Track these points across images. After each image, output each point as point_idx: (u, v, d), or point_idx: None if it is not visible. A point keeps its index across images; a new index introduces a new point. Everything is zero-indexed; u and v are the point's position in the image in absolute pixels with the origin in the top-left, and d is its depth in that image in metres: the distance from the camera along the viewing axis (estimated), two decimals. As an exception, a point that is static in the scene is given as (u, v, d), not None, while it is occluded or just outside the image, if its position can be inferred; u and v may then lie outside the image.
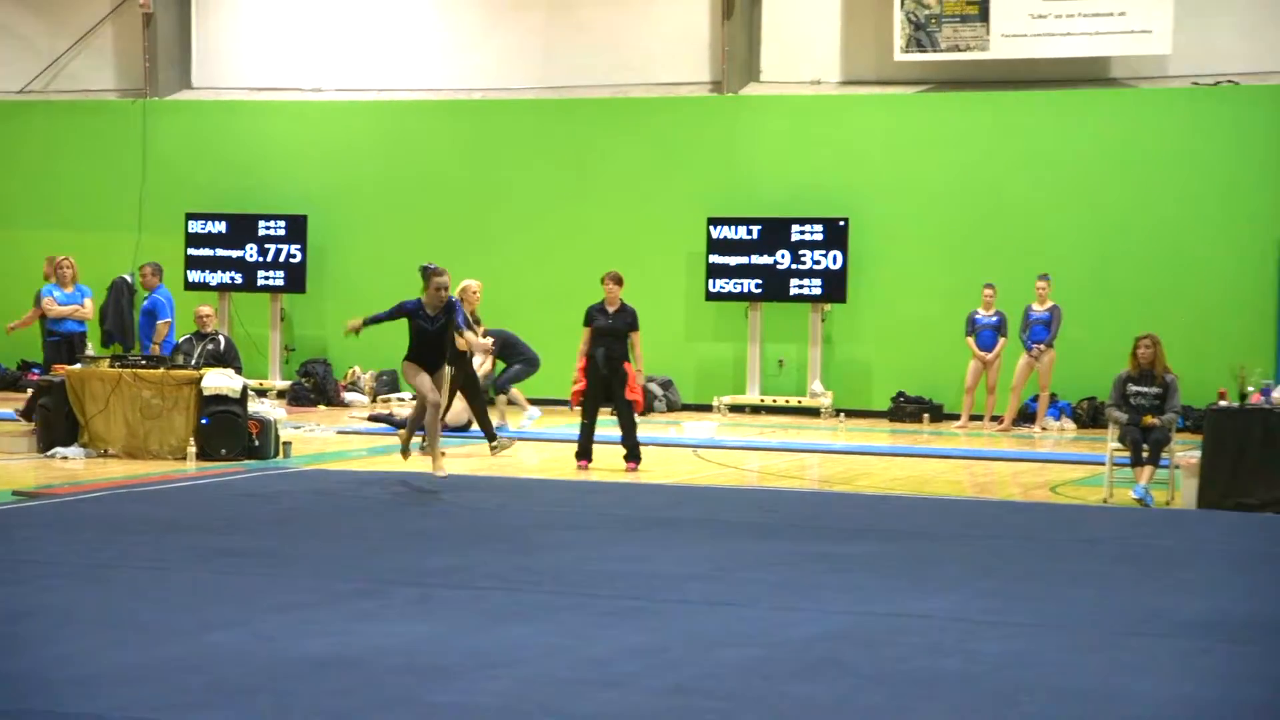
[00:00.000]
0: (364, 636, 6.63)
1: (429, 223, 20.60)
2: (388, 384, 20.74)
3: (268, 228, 19.79)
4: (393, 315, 11.24)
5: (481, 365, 16.48)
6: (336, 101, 21.50)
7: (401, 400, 19.36)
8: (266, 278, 19.61)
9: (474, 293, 15.93)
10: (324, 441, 16.31)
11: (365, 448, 16.05)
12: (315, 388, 18.69)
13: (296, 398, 18.69)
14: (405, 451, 12.35)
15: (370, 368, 20.60)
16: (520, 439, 16.51)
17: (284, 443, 14.25)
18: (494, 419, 16.24)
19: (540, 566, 8.93)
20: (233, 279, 19.77)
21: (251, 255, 19.80)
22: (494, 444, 14.76)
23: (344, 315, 19.02)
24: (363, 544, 9.71)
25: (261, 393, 17.35)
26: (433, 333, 12.16)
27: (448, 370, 12.29)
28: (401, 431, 12.23)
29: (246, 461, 13.62)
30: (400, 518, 11.23)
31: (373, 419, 17.12)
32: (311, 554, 9.41)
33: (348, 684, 5.71)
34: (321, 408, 18.54)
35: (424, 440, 13.42)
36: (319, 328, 20.16)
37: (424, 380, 11.06)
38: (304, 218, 19.81)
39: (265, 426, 13.94)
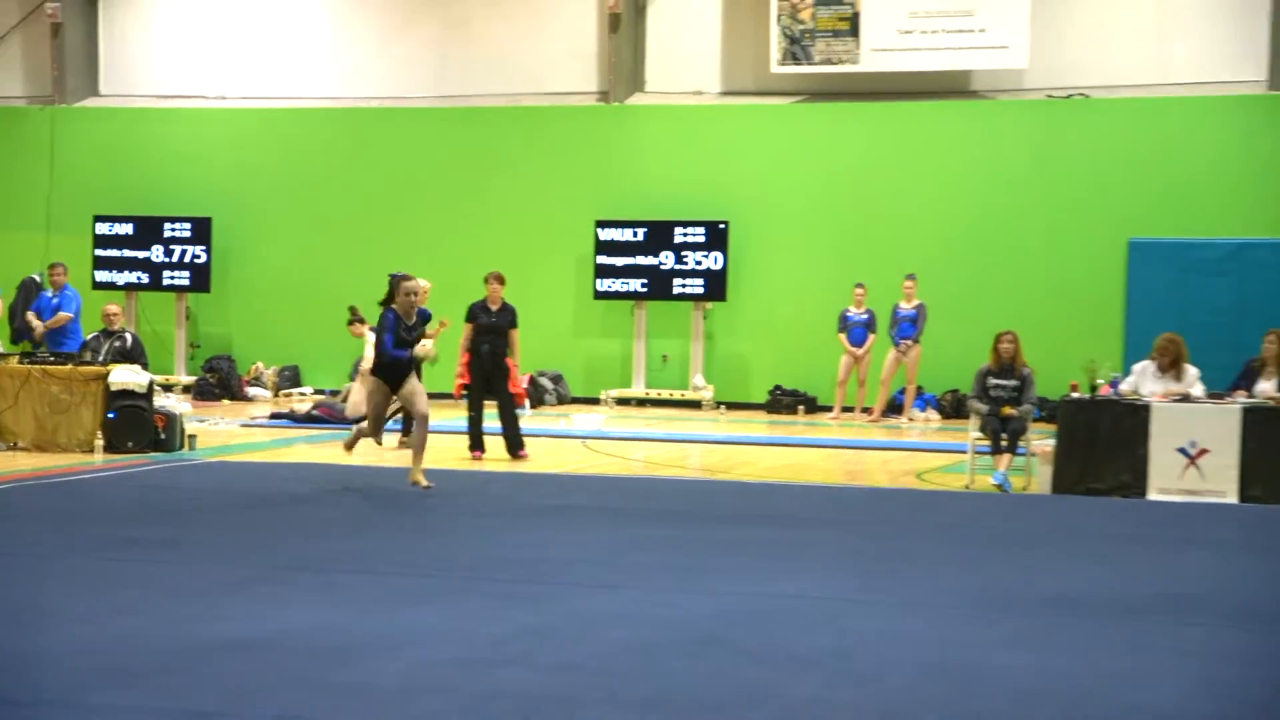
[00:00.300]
0: (267, 621, 6.81)
1: (329, 225, 20.99)
2: (290, 379, 21.06)
3: (173, 230, 20.10)
4: (391, 332, 10.78)
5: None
6: (240, 109, 21.57)
7: (303, 395, 19.20)
8: (172, 278, 19.96)
9: (425, 292, 16.07)
10: (228, 434, 16.51)
11: (268, 440, 16.22)
12: (220, 383, 18.99)
13: (201, 393, 18.76)
14: (351, 446, 12.27)
15: (273, 364, 20.88)
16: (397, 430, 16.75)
17: (189, 436, 14.30)
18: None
19: (437, 552, 9.21)
20: (140, 279, 20.12)
21: (158, 256, 20.12)
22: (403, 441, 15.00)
23: (247, 313, 19.72)
24: (265, 532, 9.92)
25: (167, 388, 17.68)
26: (411, 342, 12.07)
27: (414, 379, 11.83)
28: (361, 425, 12.13)
29: (153, 454, 13.63)
30: (301, 507, 11.31)
31: (275, 416, 17.25)
32: (215, 542, 9.50)
33: (251, 666, 5.90)
34: (226, 402, 18.63)
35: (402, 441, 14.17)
36: (223, 325, 20.46)
37: (417, 398, 10.87)
38: (208, 220, 20.07)
39: (171, 420, 13.97)
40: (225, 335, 20.83)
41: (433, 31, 21.82)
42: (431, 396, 19.97)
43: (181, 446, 14.02)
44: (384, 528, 10.55)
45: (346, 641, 6.46)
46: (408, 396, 10.95)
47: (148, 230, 20.12)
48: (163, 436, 13.68)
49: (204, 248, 19.95)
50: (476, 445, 14.21)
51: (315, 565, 8.63)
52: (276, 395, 20.77)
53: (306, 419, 17.85)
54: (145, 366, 15.32)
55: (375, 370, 11.07)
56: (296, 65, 22.28)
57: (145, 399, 13.67)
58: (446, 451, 14.77)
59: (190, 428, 14.87)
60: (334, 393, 19.68)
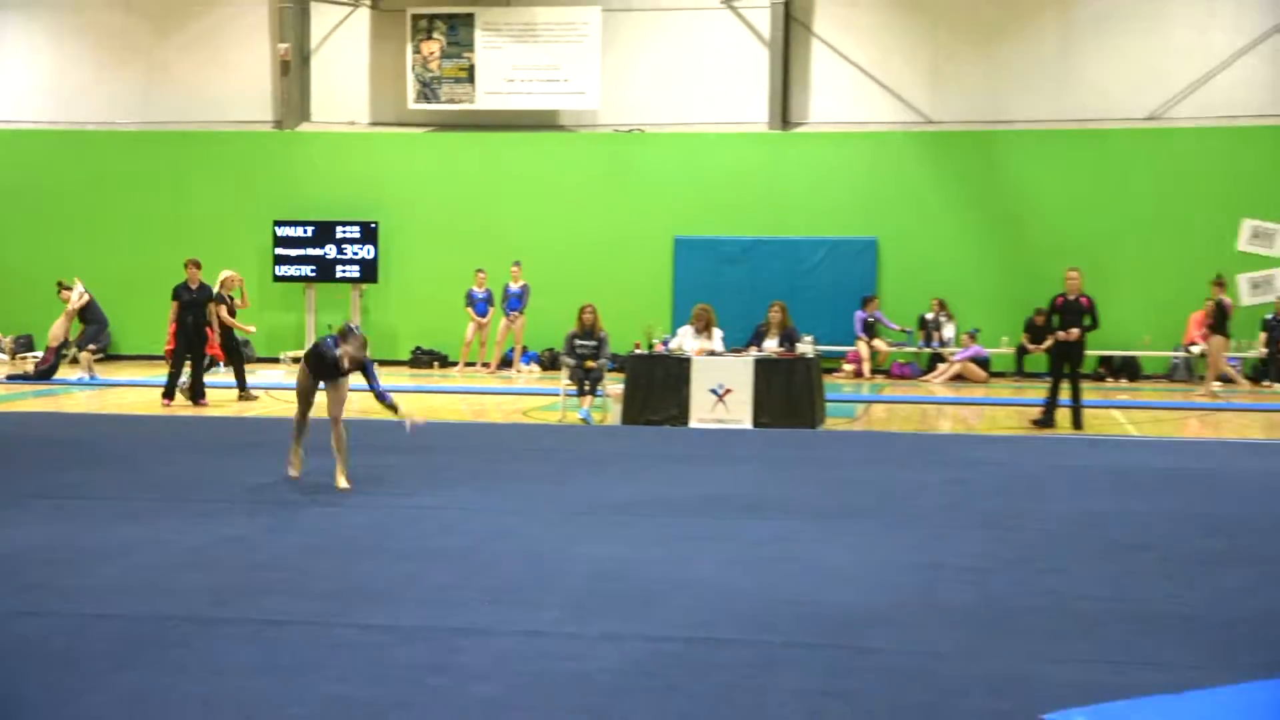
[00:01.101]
0: (8, 539, 7.85)
1: (48, 233, 22.93)
2: (24, 344, 22.46)
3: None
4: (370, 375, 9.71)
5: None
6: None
7: (37, 357, 20.37)
8: None
9: (235, 280, 18.05)
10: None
11: (5, 394, 17.63)
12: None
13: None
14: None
15: (9, 333, 22.72)
16: (104, 385, 18.86)
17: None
18: (82, 372, 18.87)
19: (148, 481, 10.42)
20: None
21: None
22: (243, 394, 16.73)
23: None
24: (6, 468, 11.05)
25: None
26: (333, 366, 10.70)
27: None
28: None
29: None
30: (37, 447, 12.46)
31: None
32: None
33: None
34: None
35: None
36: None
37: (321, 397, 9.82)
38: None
39: None
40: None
41: (140, 67, 23.67)
42: (144, 359, 21.62)
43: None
44: (104, 462, 11.53)
45: (74, 554, 7.43)
46: (329, 393, 9.88)
47: None
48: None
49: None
50: (169, 395, 16.08)
51: (48, 493, 9.60)
52: (14, 359, 21.75)
53: (36, 377, 18.97)
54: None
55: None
56: (16, 90, 23.75)
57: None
58: (147, 402, 16.72)
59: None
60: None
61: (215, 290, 17.24)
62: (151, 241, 22.35)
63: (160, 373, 17.56)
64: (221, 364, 18.20)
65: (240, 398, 16.81)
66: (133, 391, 18.18)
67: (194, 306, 16.18)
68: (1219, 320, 18.69)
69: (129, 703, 5.13)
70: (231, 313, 17.64)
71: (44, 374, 19.02)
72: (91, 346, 19.35)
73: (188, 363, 16.34)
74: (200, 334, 16.30)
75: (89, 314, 19.34)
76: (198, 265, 16.38)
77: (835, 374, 20.81)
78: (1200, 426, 16.40)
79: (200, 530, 8.31)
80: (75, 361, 19.58)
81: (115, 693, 5.25)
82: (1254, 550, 8.42)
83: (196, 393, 16.17)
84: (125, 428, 14.35)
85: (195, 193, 23.01)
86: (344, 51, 23.39)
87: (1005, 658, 5.92)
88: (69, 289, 19.25)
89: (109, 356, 21.82)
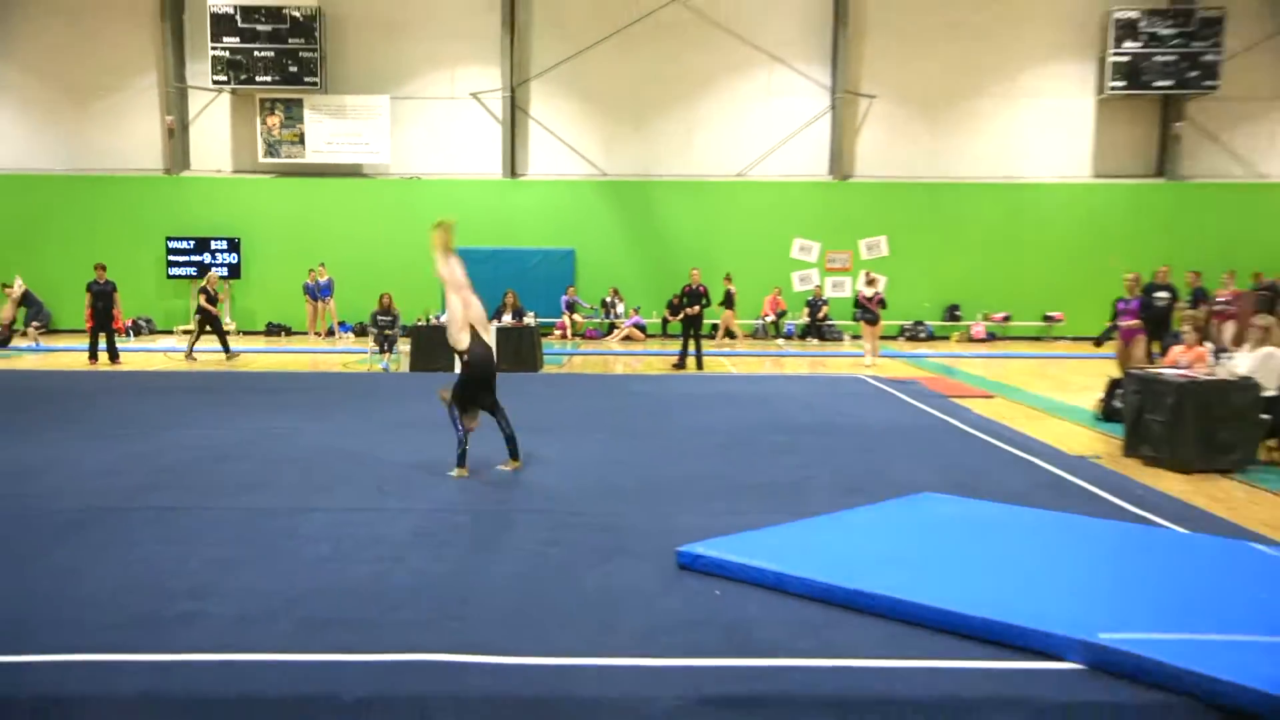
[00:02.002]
0: None
1: None
2: None
3: None
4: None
5: None
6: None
7: None
8: None
9: (214, 278, 19.25)
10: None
11: None
12: None
13: None
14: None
15: None
16: (46, 350, 19.87)
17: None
18: (30, 341, 20.07)
19: (77, 417, 10.98)
20: None
21: None
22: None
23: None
24: None
25: None
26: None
27: None
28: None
29: None
30: None
31: None
32: None
33: None
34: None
35: None
36: None
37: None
38: None
39: None
40: None
41: (64, 130, 25.87)
42: (74, 332, 22.24)
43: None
44: (48, 404, 12.35)
45: (22, 468, 8.30)
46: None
47: None
48: None
49: None
50: (92, 356, 17.88)
51: (5, 428, 10.34)
52: None
53: None
54: None
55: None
56: None
57: None
58: (80, 360, 18.27)
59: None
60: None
61: (203, 285, 19.54)
62: (74, 252, 24.49)
63: (83, 341, 19.40)
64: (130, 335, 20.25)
65: (228, 358, 18.72)
66: (67, 355, 19.72)
67: (102, 295, 18.10)
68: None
69: (64, 570, 5.85)
70: (212, 301, 19.31)
71: (1, 341, 21.32)
72: (35, 323, 21.78)
73: (103, 335, 18.16)
74: (108, 314, 18.14)
75: (28, 300, 21.86)
76: (103, 267, 18.56)
77: (548, 336, 23.00)
78: (772, 366, 19.49)
79: (115, 449, 9.33)
80: (24, 334, 21.90)
81: (54, 562, 5.98)
82: (802, 443, 10.20)
83: (112, 355, 18.15)
84: (61, 381, 15.28)
85: (106, 218, 25.32)
86: (213, 121, 25.98)
87: (657, 515, 7.20)
88: (9, 286, 21.97)
89: (49, 331, 23.61)
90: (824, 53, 25.51)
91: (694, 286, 18.64)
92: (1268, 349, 10.86)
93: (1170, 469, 10.10)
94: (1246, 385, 10.43)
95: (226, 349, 18.99)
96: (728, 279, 23.40)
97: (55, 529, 6.75)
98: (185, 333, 23.58)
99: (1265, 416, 10.42)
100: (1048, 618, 5.21)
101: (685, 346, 18.50)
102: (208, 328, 19.21)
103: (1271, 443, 10.68)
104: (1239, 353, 11.10)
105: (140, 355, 19.62)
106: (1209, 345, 11.74)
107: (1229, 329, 17.50)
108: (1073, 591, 5.72)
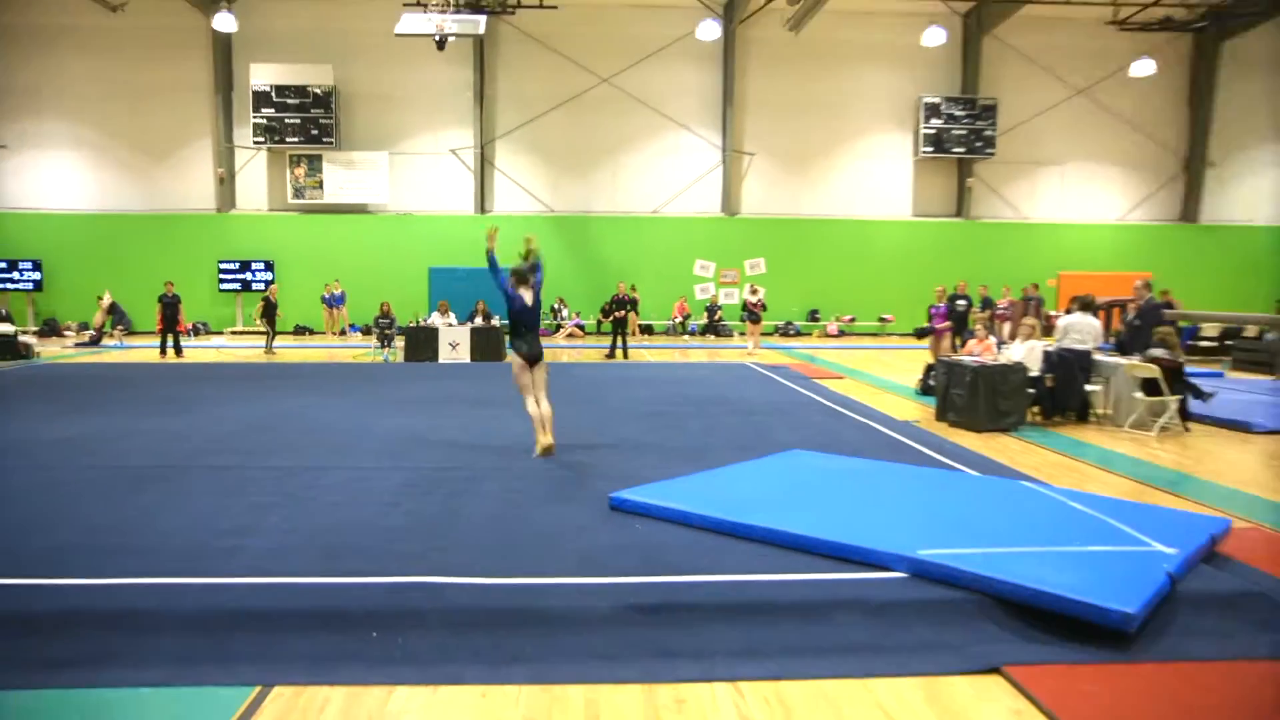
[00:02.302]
0: (76, 427, 8.50)
1: (91, 270, 23.86)
2: (82, 327, 23.05)
3: None
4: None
5: None
6: None
7: (89, 333, 20.38)
8: None
9: (274, 290, 18.84)
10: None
11: (74, 353, 18.09)
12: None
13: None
14: None
15: (73, 320, 23.77)
16: (127, 348, 19.09)
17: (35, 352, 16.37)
18: (116, 340, 19.37)
19: (150, 397, 10.63)
20: None
21: None
22: None
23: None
24: (71, 392, 11.20)
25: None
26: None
27: None
28: None
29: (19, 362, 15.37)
30: (88, 380, 12.61)
31: None
32: (42, 393, 10.92)
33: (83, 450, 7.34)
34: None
35: None
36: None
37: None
38: None
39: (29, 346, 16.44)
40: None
41: (141, 173, 24.76)
42: (145, 333, 21.88)
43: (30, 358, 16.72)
44: (126, 387, 11.93)
45: (107, 437, 8.05)
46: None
47: None
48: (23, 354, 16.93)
49: None
50: (162, 352, 16.94)
51: (94, 405, 9.93)
52: (77, 334, 22.66)
53: (89, 343, 20.11)
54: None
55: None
56: (66, 189, 24.22)
57: (13, 338, 16.97)
58: (152, 355, 17.44)
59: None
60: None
61: (265, 294, 19.05)
62: (148, 273, 23.84)
63: (155, 340, 19.30)
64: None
65: (266, 352, 18.28)
66: (143, 352, 19.06)
67: (170, 305, 17.94)
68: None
69: (142, 511, 5.81)
70: (272, 307, 18.93)
71: (94, 341, 20.86)
72: (119, 327, 21.19)
73: (170, 335, 17.75)
74: (174, 319, 17.84)
75: (114, 310, 21.29)
76: (171, 284, 18.51)
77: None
78: (680, 356, 18.89)
79: (178, 422, 9.19)
80: (111, 336, 21.28)
81: (134, 507, 5.90)
82: (704, 413, 10.15)
83: (178, 351, 17.79)
84: (138, 371, 14.83)
85: (172, 246, 24.64)
86: (253, 172, 25.13)
87: (593, 469, 6.99)
88: (101, 298, 21.55)
89: (130, 333, 22.55)
90: (716, 122, 25.35)
91: (622, 296, 18.55)
92: (1032, 342, 11.05)
93: (968, 429, 10.22)
94: (1019, 368, 10.58)
95: (269, 346, 18.85)
96: (632, 289, 22.90)
97: (129, 481, 6.61)
98: (234, 333, 23.87)
99: (1031, 391, 10.61)
100: (881, 540, 5.27)
101: (614, 341, 18.25)
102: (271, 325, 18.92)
103: (1035, 409, 10.84)
104: (1013, 345, 11.24)
105: (199, 350, 19.36)
106: (994, 339, 11.79)
107: (1007, 328, 17.75)
108: (900, 520, 5.74)
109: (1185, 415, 10.44)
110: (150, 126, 24.52)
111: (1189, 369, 10.91)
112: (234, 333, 24.09)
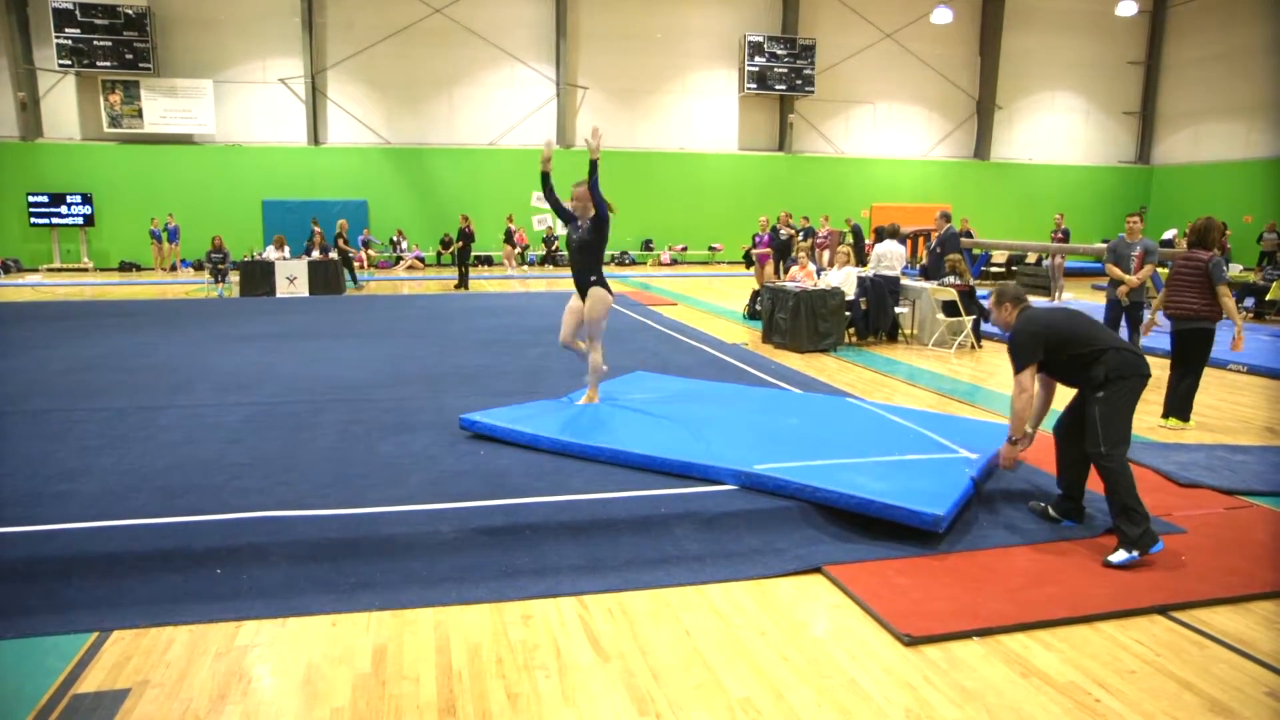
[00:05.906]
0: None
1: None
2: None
3: None
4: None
5: None
6: None
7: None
8: None
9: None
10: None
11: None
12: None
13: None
14: None
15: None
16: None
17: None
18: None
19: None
20: None
21: None
22: None
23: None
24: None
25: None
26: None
27: None
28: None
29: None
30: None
31: None
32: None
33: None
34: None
35: None
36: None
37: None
38: None
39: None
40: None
41: None
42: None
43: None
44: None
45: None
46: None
47: None
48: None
49: None
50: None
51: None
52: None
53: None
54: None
55: None
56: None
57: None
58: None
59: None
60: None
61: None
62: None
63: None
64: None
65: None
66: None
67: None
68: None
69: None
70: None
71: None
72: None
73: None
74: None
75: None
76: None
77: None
78: (520, 285, 18.98)
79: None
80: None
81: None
82: (541, 341, 10.14)
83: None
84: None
85: None
86: (61, 97, 23.25)
87: (435, 397, 7.04)
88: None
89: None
90: (550, 55, 25.00)
91: (462, 227, 18.49)
92: (848, 268, 11.42)
93: (792, 350, 10.52)
94: (836, 293, 10.92)
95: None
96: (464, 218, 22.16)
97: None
98: (50, 270, 22.12)
99: (847, 314, 10.99)
100: (716, 456, 5.37)
101: (460, 273, 18.35)
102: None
103: (851, 331, 11.27)
104: (831, 271, 11.55)
105: (10, 289, 18.10)
106: (813, 266, 12.11)
107: (826, 255, 18.21)
108: (732, 437, 5.86)
109: (978, 334, 11.01)
110: (-64, 46, 22.29)
111: (980, 292, 11.49)
112: (50, 269, 22.77)
